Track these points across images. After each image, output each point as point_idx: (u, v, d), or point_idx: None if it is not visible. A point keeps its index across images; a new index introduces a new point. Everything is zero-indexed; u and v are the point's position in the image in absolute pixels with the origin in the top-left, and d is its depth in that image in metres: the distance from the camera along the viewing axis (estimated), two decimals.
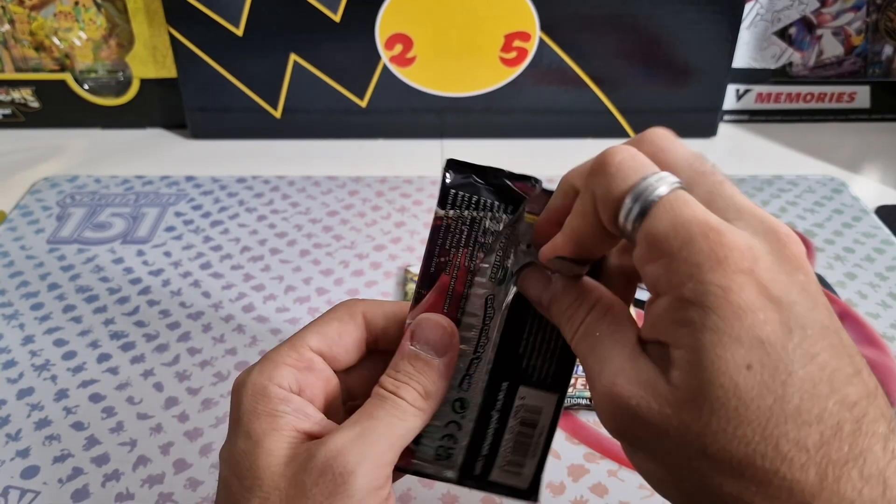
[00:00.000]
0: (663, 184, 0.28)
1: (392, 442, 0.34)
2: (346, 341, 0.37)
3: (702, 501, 0.28)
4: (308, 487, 0.31)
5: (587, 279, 0.34)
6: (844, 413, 0.26)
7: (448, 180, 0.36)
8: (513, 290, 0.36)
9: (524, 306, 0.36)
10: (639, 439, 0.29)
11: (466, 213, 0.35)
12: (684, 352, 0.27)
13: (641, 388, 0.28)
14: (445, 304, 0.37)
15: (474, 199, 0.35)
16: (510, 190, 0.36)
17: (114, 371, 0.60)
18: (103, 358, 0.62)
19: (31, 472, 0.52)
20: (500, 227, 0.35)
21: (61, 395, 0.58)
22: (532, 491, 0.38)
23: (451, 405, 0.37)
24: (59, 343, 0.63)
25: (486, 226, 0.36)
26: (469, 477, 0.37)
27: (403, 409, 0.34)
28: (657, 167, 0.30)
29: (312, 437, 0.34)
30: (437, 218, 0.36)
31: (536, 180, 0.35)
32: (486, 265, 0.36)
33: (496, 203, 0.36)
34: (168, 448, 0.54)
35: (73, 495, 0.51)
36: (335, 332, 0.37)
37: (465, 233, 0.36)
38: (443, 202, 0.36)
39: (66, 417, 0.56)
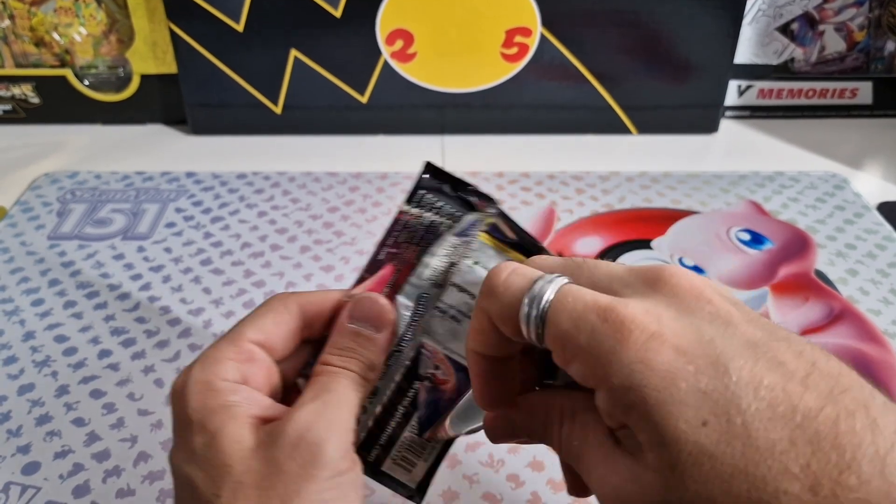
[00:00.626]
0: (550, 285, 0.30)
1: (352, 410, 0.35)
2: (283, 331, 0.39)
3: None
4: (282, 462, 0.32)
5: (540, 394, 0.35)
6: (815, 425, 0.24)
7: (421, 181, 0.38)
8: (447, 295, 0.37)
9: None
10: None
11: (428, 215, 0.37)
12: (646, 434, 0.26)
13: (629, 483, 0.28)
14: (384, 292, 0.38)
15: (439, 204, 0.37)
16: (473, 206, 0.37)
17: (115, 367, 0.60)
18: (104, 354, 0.61)
19: (31, 469, 0.52)
20: (450, 233, 0.37)
21: (62, 391, 0.58)
22: (419, 492, 0.40)
23: None
24: (60, 339, 0.63)
25: (441, 231, 0.37)
26: (363, 462, 0.38)
27: (354, 380, 0.36)
28: (540, 271, 0.31)
29: (268, 421, 0.34)
30: (400, 212, 0.38)
31: (495, 204, 0.37)
32: (429, 266, 0.37)
33: (458, 214, 0.37)
34: (169, 444, 0.53)
35: (73, 491, 0.51)
36: (271, 323, 0.38)
37: (422, 233, 0.38)
38: (409, 199, 0.38)
39: (66, 413, 0.56)
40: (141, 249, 0.73)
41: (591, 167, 0.85)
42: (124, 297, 0.67)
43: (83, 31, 0.89)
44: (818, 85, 0.93)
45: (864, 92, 0.93)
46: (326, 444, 0.33)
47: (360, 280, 0.39)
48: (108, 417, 0.56)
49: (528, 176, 0.84)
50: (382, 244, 0.38)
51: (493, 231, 0.37)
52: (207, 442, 0.33)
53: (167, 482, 0.51)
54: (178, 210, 0.79)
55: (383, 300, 0.38)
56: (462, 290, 0.37)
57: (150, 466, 0.52)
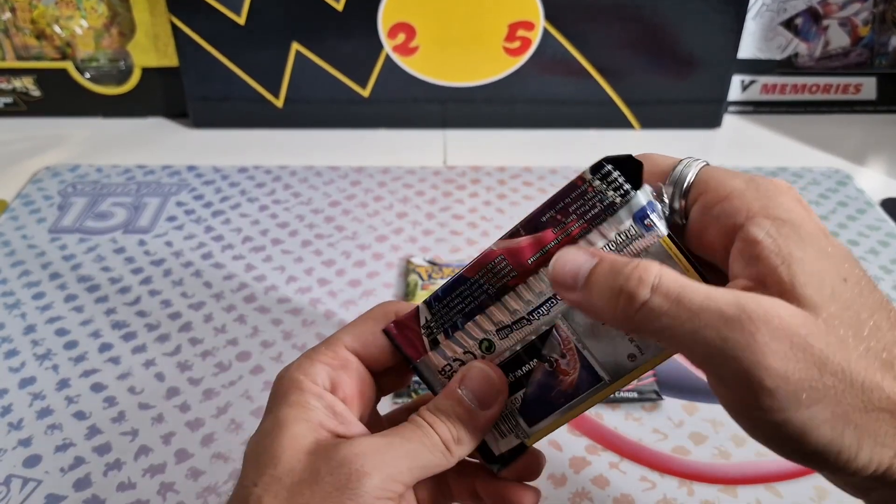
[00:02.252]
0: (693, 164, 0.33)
1: (412, 465, 0.34)
2: (382, 342, 0.37)
3: (866, 425, 0.28)
4: (322, 475, 0.32)
5: None
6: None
7: (611, 157, 0.33)
8: None
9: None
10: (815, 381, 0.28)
11: (611, 193, 0.33)
12: (800, 274, 0.29)
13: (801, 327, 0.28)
14: (533, 256, 0.35)
15: (625, 188, 0.33)
16: (664, 205, 0.34)
17: (115, 361, 0.60)
18: (105, 347, 0.61)
19: (32, 461, 0.52)
20: (625, 212, 0.33)
21: (63, 384, 0.58)
22: (501, 460, 0.38)
23: (480, 343, 0.37)
24: (61, 332, 0.63)
25: (619, 215, 0.33)
26: None
27: (433, 442, 0.35)
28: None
29: (338, 437, 0.34)
30: (580, 178, 0.34)
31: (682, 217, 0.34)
32: (592, 247, 0.34)
33: (630, 193, 0.33)
34: (169, 438, 0.54)
35: (74, 484, 0.51)
36: (370, 331, 0.37)
37: (596, 210, 0.33)
38: (596, 170, 0.33)
39: (67, 407, 0.56)
40: (142, 243, 0.73)
41: (595, 162, 0.85)
42: (125, 290, 0.67)
43: (84, 23, 0.89)
44: (822, 80, 0.93)
45: (867, 87, 0.93)
46: (367, 477, 0.32)
47: (514, 233, 0.35)
48: (109, 411, 0.56)
49: (530, 170, 0.83)
50: (550, 205, 0.34)
51: (674, 236, 0.33)
52: (271, 430, 0.34)
53: (168, 475, 0.51)
54: (179, 204, 0.79)
55: (497, 379, 0.36)
56: None
57: (151, 460, 0.52)
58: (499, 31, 0.86)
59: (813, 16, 0.89)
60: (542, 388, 0.37)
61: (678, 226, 0.34)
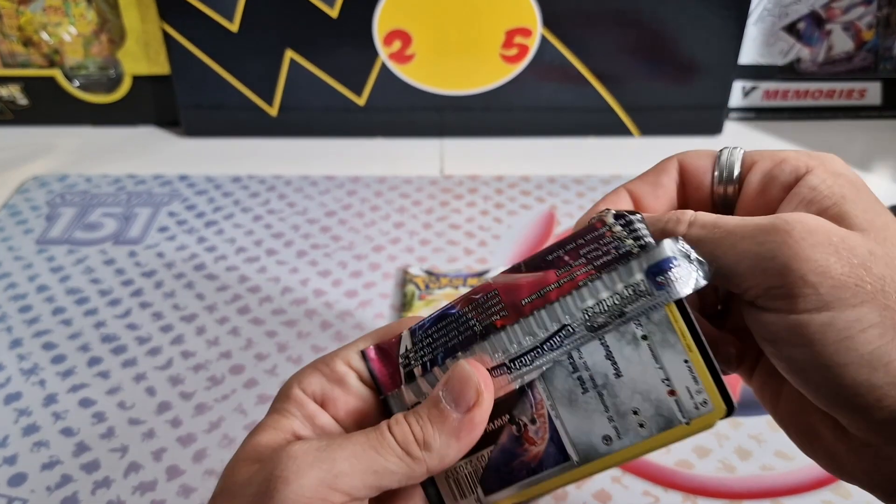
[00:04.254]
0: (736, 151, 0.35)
1: (356, 470, 0.30)
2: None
3: None
4: (246, 485, 0.30)
5: None
6: None
7: (644, 217, 0.31)
8: (589, 348, 0.31)
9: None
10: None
11: (629, 242, 0.30)
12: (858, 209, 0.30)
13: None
14: (528, 297, 0.32)
15: (647, 239, 0.30)
16: (691, 266, 0.30)
17: (105, 375, 0.59)
18: (94, 362, 0.60)
19: (18, 480, 0.51)
20: (640, 267, 0.30)
21: (50, 399, 0.57)
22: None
23: None
24: (48, 346, 0.61)
25: (631, 267, 0.30)
26: None
27: (386, 444, 0.31)
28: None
29: None
30: (599, 222, 0.31)
31: (707, 271, 0.30)
32: (595, 298, 0.31)
33: (650, 243, 0.30)
34: (160, 454, 0.53)
35: (61, 503, 0.49)
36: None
37: (610, 258, 0.31)
38: (621, 217, 0.31)
39: (54, 423, 0.55)
40: (132, 254, 0.72)
41: (593, 170, 0.84)
42: (115, 303, 0.66)
43: (73, 30, 0.87)
44: (825, 85, 0.92)
45: (872, 92, 0.92)
46: (285, 484, 0.28)
47: (516, 269, 0.33)
48: (98, 427, 0.55)
49: (528, 179, 0.83)
50: (560, 245, 0.32)
51: (683, 309, 0.30)
52: (245, 439, 0.32)
53: (158, 493, 0.50)
54: (171, 214, 0.77)
55: (476, 380, 0.32)
56: (609, 357, 0.31)
57: (141, 477, 0.51)
58: (496, 38, 0.85)
59: (815, 20, 0.88)
60: (505, 455, 0.33)
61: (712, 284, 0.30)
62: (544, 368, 0.32)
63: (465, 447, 0.32)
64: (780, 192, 0.32)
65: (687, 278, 0.30)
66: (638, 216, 0.31)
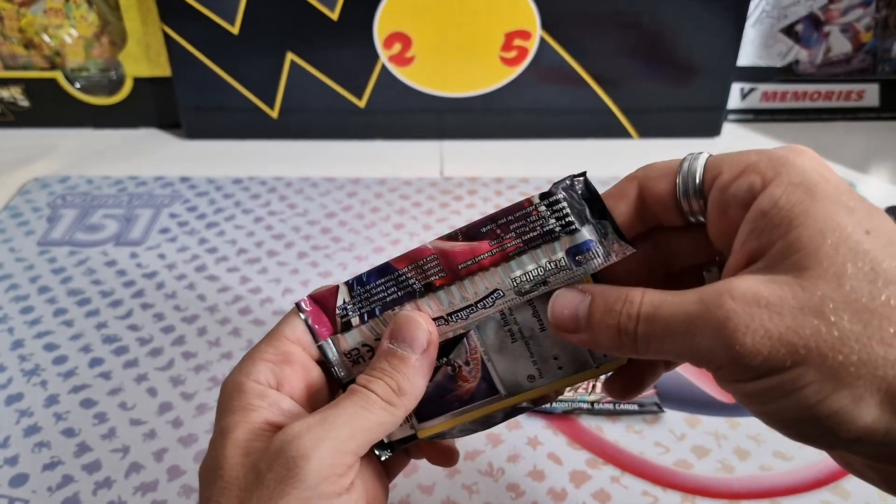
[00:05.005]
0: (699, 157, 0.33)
1: (355, 431, 0.33)
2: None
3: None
4: (263, 473, 0.31)
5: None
6: None
7: (566, 185, 0.35)
8: (520, 309, 0.36)
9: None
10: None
11: (553, 222, 0.35)
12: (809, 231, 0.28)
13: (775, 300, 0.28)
14: (464, 263, 0.36)
15: (568, 219, 0.34)
16: (608, 242, 0.35)
17: (106, 376, 0.59)
18: (95, 362, 0.60)
19: (19, 481, 0.51)
20: (562, 246, 0.35)
21: (51, 400, 0.57)
22: (390, 447, 0.38)
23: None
24: (50, 347, 0.61)
25: (555, 245, 0.35)
26: None
27: (371, 400, 0.34)
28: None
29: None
30: (527, 201, 0.35)
31: (630, 248, 0.34)
32: (522, 269, 0.35)
33: (574, 227, 0.35)
34: (162, 454, 0.53)
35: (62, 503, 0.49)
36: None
37: (535, 234, 0.35)
38: (546, 196, 0.35)
39: (56, 424, 0.55)
40: (134, 255, 0.72)
41: (592, 172, 0.83)
42: (117, 304, 0.66)
43: (74, 32, 0.87)
44: (823, 87, 0.92)
45: (870, 94, 0.92)
46: (306, 459, 0.30)
47: (453, 237, 0.36)
48: (99, 427, 0.55)
49: (527, 181, 0.83)
50: (493, 219, 0.36)
51: (598, 279, 0.35)
52: (216, 442, 0.33)
53: (159, 494, 0.50)
54: (172, 215, 0.77)
55: (424, 320, 0.36)
56: (536, 314, 0.36)
57: (143, 477, 0.51)
58: (495, 41, 0.85)
59: (814, 22, 0.88)
60: (440, 389, 0.38)
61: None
62: (475, 324, 0.37)
63: (427, 381, 0.36)
64: (738, 211, 0.31)
65: (604, 255, 0.34)
66: (561, 195, 0.35)
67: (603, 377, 0.39)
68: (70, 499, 0.50)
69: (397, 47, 0.85)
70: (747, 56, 0.90)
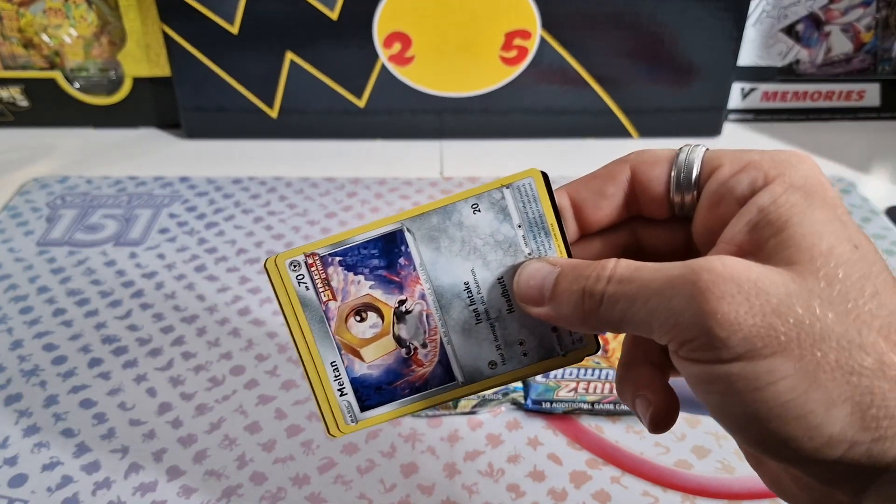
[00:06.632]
0: (696, 150, 0.33)
1: None
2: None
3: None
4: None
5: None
6: None
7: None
8: (489, 287, 0.35)
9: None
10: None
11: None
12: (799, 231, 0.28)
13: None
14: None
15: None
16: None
17: (105, 376, 0.59)
18: (94, 363, 0.60)
19: (18, 481, 0.51)
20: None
21: (51, 401, 0.57)
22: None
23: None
24: (49, 348, 0.61)
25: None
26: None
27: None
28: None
29: None
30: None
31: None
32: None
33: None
34: (161, 455, 0.52)
35: None
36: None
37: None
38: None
39: (55, 424, 0.55)
40: (133, 256, 0.72)
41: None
42: (116, 304, 0.66)
43: (73, 32, 0.87)
44: (824, 87, 0.92)
45: (871, 94, 0.92)
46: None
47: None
48: (99, 428, 0.54)
49: None
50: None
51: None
52: None
53: (159, 493, 0.50)
54: (172, 215, 0.77)
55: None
56: (505, 293, 0.35)
57: (142, 478, 0.51)
58: (495, 41, 0.85)
59: (814, 22, 0.88)
60: (389, 374, 0.36)
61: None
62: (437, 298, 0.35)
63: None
64: (733, 206, 0.30)
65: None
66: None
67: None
68: (69, 499, 0.49)
69: (397, 47, 0.85)
70: (748, 56, 0.90)
